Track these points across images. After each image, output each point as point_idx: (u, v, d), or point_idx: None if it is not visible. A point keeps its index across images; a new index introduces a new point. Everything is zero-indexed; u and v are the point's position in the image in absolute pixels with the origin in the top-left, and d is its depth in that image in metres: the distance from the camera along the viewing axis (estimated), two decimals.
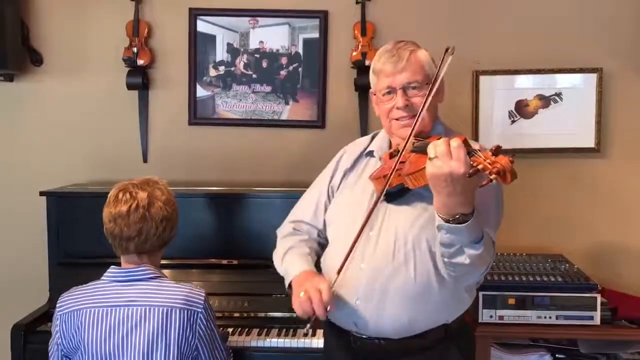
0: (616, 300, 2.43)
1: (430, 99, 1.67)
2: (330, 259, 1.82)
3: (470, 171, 1.39)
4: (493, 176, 1.34)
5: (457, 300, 1.77)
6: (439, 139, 1.65)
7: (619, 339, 2.36)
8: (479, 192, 1.49)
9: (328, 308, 1.61)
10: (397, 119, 1.77)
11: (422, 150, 1.59)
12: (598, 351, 2.41)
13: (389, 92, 1.77)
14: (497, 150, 1.39)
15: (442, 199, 1.48)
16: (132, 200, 1.83)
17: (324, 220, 1.93)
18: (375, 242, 1.73)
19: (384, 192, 1.68)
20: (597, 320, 2.29)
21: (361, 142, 1.97)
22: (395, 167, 1.64)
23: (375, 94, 1.83)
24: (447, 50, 1.64)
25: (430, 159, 1.45)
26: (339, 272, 1.69)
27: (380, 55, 1.80)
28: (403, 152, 1.66)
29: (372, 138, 1.95)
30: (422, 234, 1.69)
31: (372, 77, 1.84)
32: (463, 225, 1.48)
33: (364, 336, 1.77)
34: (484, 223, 1.58)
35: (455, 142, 1.43)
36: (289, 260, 1.84)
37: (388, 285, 1.70)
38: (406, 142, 1.67)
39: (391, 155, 1.76)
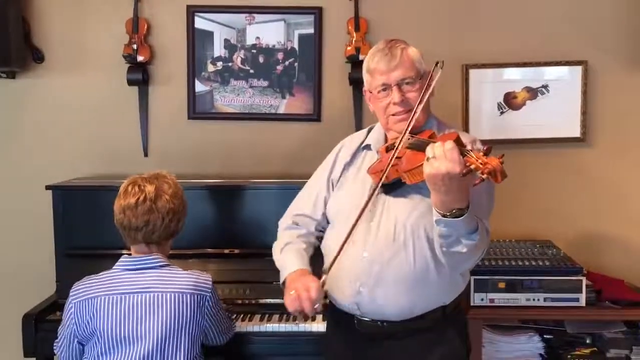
0: (600, 282, 2.53)
1: (423, 103, 1.77)
2: (332, 243, 1.90)
3: (464, 171, 1.50)
4: (485, 176, 1.46)
5: (452, 283, 1.87)
6: (431, 133, 1.77)
7: (603, 319, 2.47)
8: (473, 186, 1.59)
9: (316, 306, 1.73)
10: (393, 115, 1.85)
11: (417, 148, 1.70)
12: (583, 331, 2.52)
13: (384, 89, 1.85)
14: (488, 151, 1.51)
15: (440, 196, 1.58)
16: (140, 193, 1.92)
17: (324, 213, 2.00)
18: (376, 231, 1.82)
19: (381, 185, 1.77)
20: (583, 302, 2.39)
21: (358, 136, 2.05)
22: (390, 162, 1.74)
23: (370, 92, 1.90)
24: (437, 63, 1.76)
25: (427, 159, 1.55)
26: (330, 267, 1.79)
27: (373, 54, 1.87)
28: (399, 148, 1.75)
29: (369, 131, 2.03)
30: (420, 222, 1.78)
31: (366, 76, 1.91)
32: (459, 219, 1.59)
33: (367, 319, 1.87)
34: (477, 213, 1.67)
35: (449, 145, 1.53)
36: (285, 256, 1.93)
37: (388, 270, 1.79)
38: (401, 138, 1.76)
39: (387, 149, 1.85)
